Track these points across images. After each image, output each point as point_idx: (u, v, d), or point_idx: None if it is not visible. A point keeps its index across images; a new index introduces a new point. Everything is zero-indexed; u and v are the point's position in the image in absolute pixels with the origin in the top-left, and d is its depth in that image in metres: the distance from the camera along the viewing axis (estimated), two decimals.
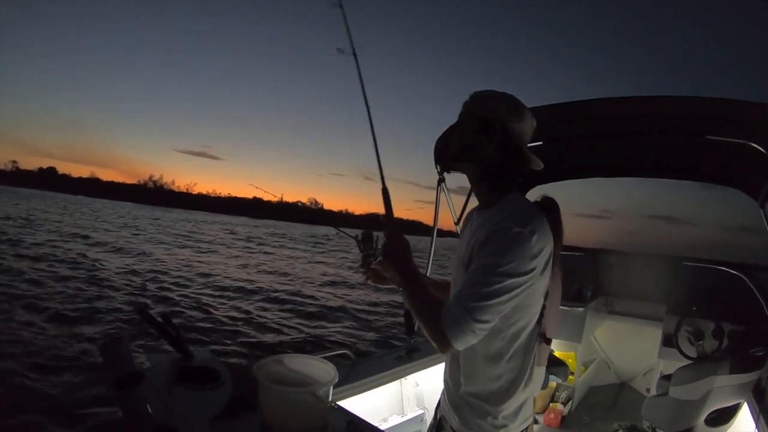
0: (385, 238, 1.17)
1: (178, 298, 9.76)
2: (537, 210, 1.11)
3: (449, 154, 1.19)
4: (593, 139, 2.66)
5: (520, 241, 0.99)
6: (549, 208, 2.17)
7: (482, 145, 1.11)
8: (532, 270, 1.01)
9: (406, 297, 1.10)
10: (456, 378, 1.20)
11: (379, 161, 1.28)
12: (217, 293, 10.79)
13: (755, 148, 2.03)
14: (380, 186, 1.27)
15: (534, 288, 1.05)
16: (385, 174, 1.26)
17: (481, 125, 1.10)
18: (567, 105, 2.26)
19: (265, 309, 9.71)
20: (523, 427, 1.20)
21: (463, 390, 1.18)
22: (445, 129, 2.57)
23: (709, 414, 2.32)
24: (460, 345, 0.97)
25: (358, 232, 1.28)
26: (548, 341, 2.13)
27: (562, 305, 2.30)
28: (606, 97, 2.18)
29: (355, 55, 1.35)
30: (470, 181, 1.21)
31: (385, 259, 1.17)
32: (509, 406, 1.14)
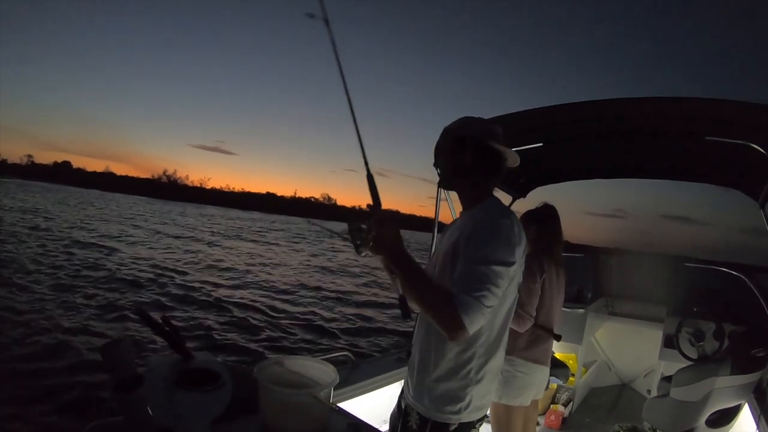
0: (374, 229, 1.13)
1: (176, 296, 9.76)
2: (510, 209, 1.28)
3: (444, 177, 1.38)
4: (593, 140, 2.66)
5: (505, 231, 1.15)
6: (550, 213, 2.24)
7: (465, 160, 1.29)
8: (517, 257, 1.15)
9: (405, 285, 1.13)
10: (426, 364, 1.28)
11: (361, 144, 1.22)
12: (218, 293, 10.78)
13: (755, 148, 2.03)
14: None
15: (514, 275, 1.18)
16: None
17: (458, 145, 1.30)
18: (566, 107, 2.26)
19: (266, 310, 9.70)
20: (484, 413, 1.30)
21: (435, 375, 1.25)
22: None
23: (710, 415, 2.32)
24: (474, 329, 1.08)
25: (341, 226, 1.19)
26: (557, 337, 2.17)
27: (563, 307, 2.31)
28: (606, 99, 2.17)
29: (327, 21, 1.23)
30: (457, 190, 1.36)
31: (376, 250, 1.14)
32: (477, 390, 1.23)
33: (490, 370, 1.25)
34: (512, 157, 1.30)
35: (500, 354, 1.28)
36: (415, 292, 1.12)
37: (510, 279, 1.16)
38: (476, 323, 1.07)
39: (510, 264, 1.12)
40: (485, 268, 1.09)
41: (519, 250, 1.16)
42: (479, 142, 1.28)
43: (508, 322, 1.27)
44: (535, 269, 2.04)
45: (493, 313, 1.18)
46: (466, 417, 1.24)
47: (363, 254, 1.15)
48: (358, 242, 1.13)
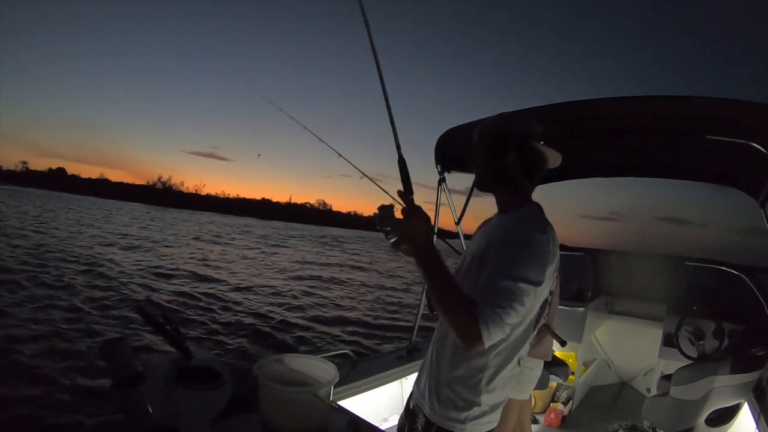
0: (402, 217, 1.06)
1: (177, 297, 9.76)
2: (548, 220, 1.19)
3: (480, 179, 1.27)
4: (593, 139, 2.66)
5: (539, 248, 1.07)
6: None
7: (505, 161, 1.20)
8: (547, 276, 1.08)
9: (428, 284, 1.04)
10: (439, 366, 1.22)
11: (392, 122, 1.15)
12: (218, 293, 10.79)
13: (756, 148, 2.02)
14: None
15: (540, 294, 1.10)
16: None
17: (499, 144, 1.21)
18: (566, 105, 2.26)
19: (266, 308, 9.71)
20: (492, 426, 1.22)
21: (445, 378, 1.20)
22: (446, 130, 2.60)
23: (709, 414, 2.32)
24: (490, 343, 1.02)
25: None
26: (563, 343, 2.21)
27: (562, 305, 2.33)
28: (606, 97, 2.16)
29: None
30: (495, 193, 1.27)
31: (400, 243, 1.04)
32: (485, 400, 1.17)
33: (501, 381, 1.19)
34: (554, 157, 1.22)
35: (513, 366, 1.21)
36: (438, 293, 1.03)
37: (536, 298, 1.08)
38: (494, 338, 1.01)
39: (538, 284, 1.05)
40: (512, 284, 1.02)
41: (550, 269, 1.08)
42: (523, 143, 1.19)
43: (527, 337, 1.20)
44: None
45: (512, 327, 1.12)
46: (472, 428, 1.17)
47: (393, 240, 1.05)
48: (388, 228, 1.05)
